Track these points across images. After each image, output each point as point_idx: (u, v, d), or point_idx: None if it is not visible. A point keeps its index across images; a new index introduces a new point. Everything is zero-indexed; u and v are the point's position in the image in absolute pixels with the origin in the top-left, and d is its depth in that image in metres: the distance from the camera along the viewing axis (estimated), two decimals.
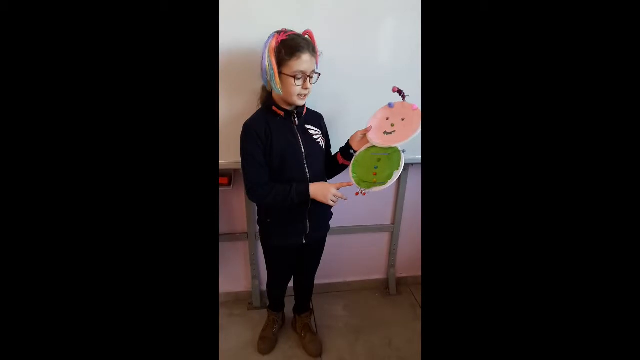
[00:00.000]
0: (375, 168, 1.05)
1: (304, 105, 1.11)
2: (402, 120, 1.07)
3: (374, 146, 1.09)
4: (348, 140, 1.16)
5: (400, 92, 1.07)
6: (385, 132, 1.08)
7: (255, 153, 1.05)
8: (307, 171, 1.11)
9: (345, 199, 1.07)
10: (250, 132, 1.05)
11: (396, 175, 1.00)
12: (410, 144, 1.01)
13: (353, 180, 1.07)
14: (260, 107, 1.13)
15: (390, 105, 1.11)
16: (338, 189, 1.07)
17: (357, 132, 1.12)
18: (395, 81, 1.13)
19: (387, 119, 1.10)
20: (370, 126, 1.10)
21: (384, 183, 1.01)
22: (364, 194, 1.03)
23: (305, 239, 1.21)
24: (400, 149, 1.03)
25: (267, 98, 1.09)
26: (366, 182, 1.05)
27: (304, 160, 1.10)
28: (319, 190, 1.06)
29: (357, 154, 1.12)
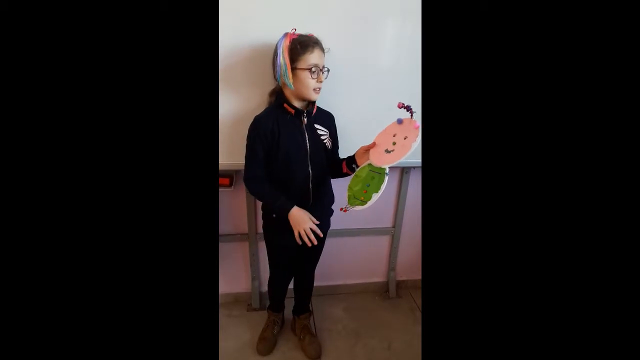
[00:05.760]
0: (367, 186, 1.04)
1: (314, 104, 1.14)
2: (405, 138, 1.02)
3: (371, 163, 1.07)
4: (354, 154, 1.17)
5: (407, 108, 1.00)
6: (386, 150, 1.04)
7: (256, 149, 1.11)
8: (310, 169, 1.15)
9: (314, 242, 1.11)
10: (257, 128, 1.10)
11: (375, 197, 1.00)
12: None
13: (347, 195, 1.08)
14: (271, 104, 1.16)
15: (399, 121, 1.06)
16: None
17: (361, 147, 1.12)
18: (400, 86, 1.13)
19: (394, 135, 1.06)
20: (374, 143, 1.09)
21: (364, 203, 1.02)
22: (345, 210, 1.05)
23: None
24: (386, 171, 1.02)
25: (279, 96, 1.12)
26: (356, 200, 1.05)
27: (308, 158, 1.14)
28: (299, 217, 1.11)
29: (358, 169, 1.12)
